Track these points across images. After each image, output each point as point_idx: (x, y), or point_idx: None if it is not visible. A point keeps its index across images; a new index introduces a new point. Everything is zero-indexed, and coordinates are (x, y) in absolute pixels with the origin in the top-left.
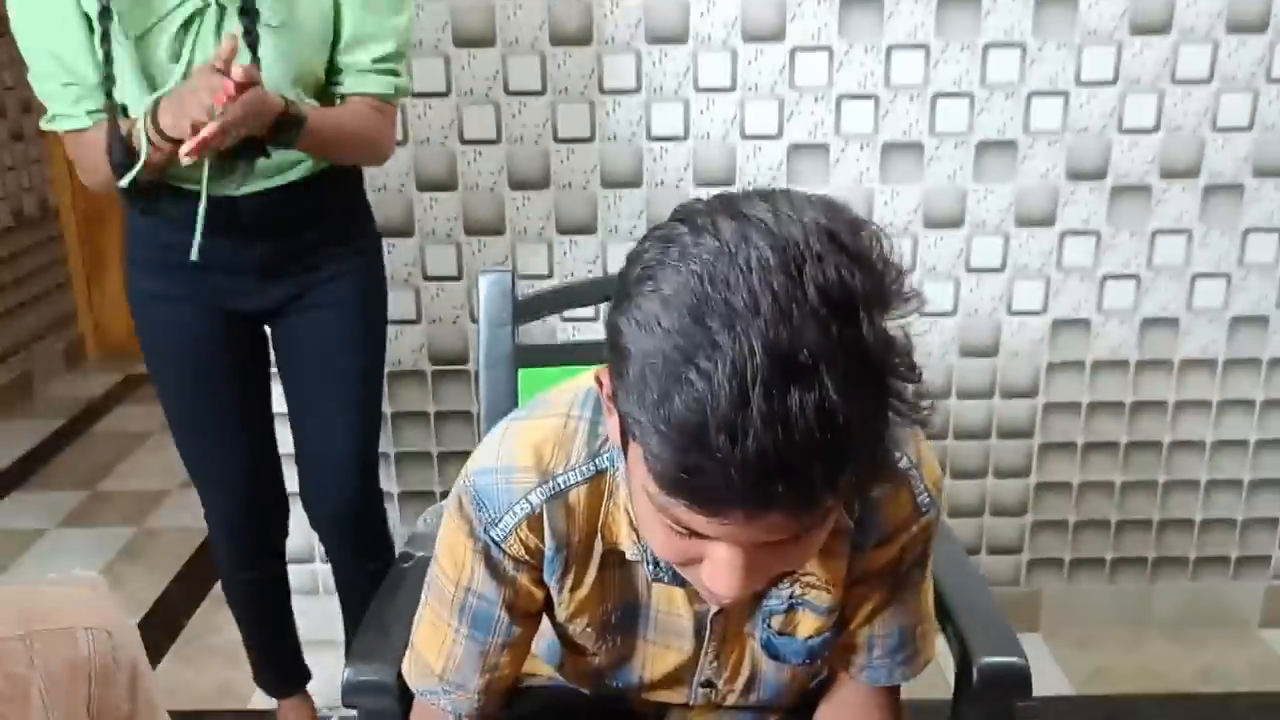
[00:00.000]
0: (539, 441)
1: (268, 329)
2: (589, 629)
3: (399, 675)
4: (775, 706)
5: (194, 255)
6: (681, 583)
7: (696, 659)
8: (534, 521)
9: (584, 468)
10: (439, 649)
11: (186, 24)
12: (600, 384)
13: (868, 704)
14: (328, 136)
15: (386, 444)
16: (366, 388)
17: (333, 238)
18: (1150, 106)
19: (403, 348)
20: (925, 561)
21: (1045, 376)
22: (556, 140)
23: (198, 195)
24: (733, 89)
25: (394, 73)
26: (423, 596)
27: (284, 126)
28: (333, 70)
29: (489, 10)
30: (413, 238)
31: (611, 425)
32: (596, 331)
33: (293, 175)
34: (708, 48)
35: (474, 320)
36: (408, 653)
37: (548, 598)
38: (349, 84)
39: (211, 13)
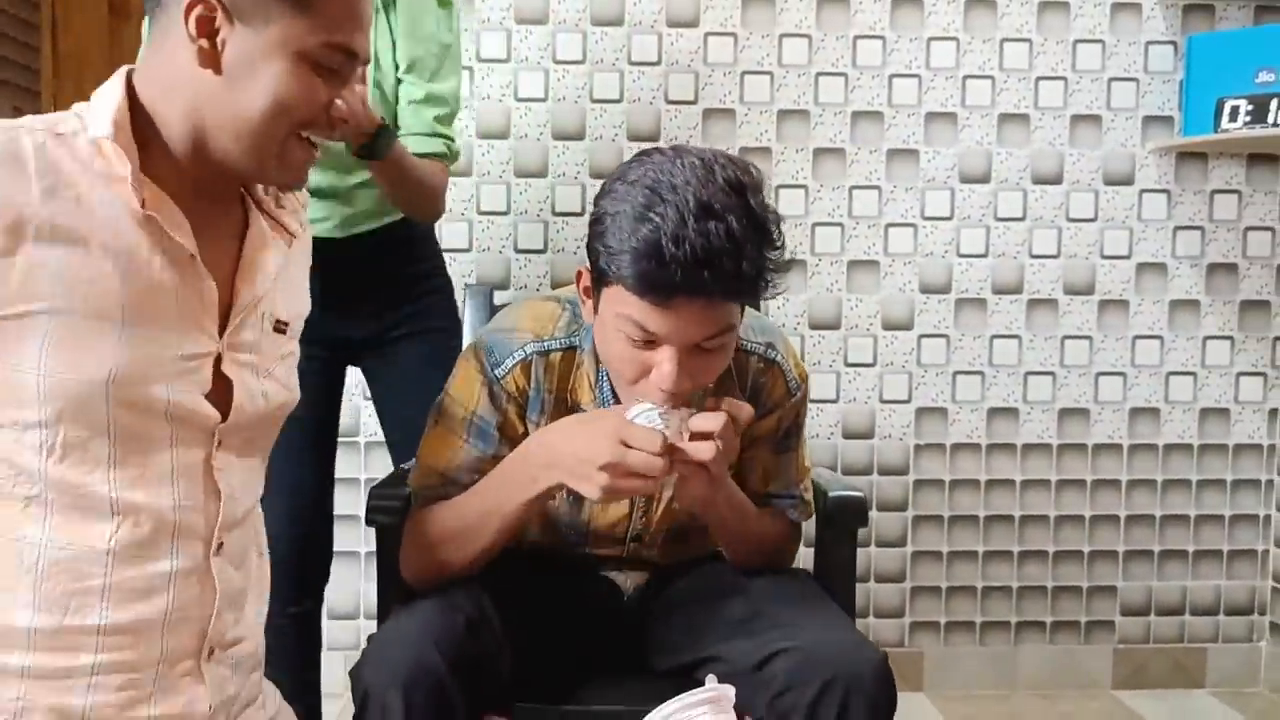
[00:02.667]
0: (536, 314)
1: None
2: None
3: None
4: (686, 561)
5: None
6: None
7: (630, 515)
8: (525, 367)
9: (563, 339)
10: (446, 454)
11: None
12: (580, 276)
13: (766, 512)
14: (406, 166)
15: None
16: None
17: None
18: (980, 238)
19: None
20: (798, 432)
21: (914, 456)
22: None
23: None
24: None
25: (450, 136)
26: (430, 426)
27: (381, 134)
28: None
29: None
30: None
31: (587, 308)
32: None
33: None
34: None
35: None
36: (412, 471)
37: (526, 435)
38: (412, 144)
39: None
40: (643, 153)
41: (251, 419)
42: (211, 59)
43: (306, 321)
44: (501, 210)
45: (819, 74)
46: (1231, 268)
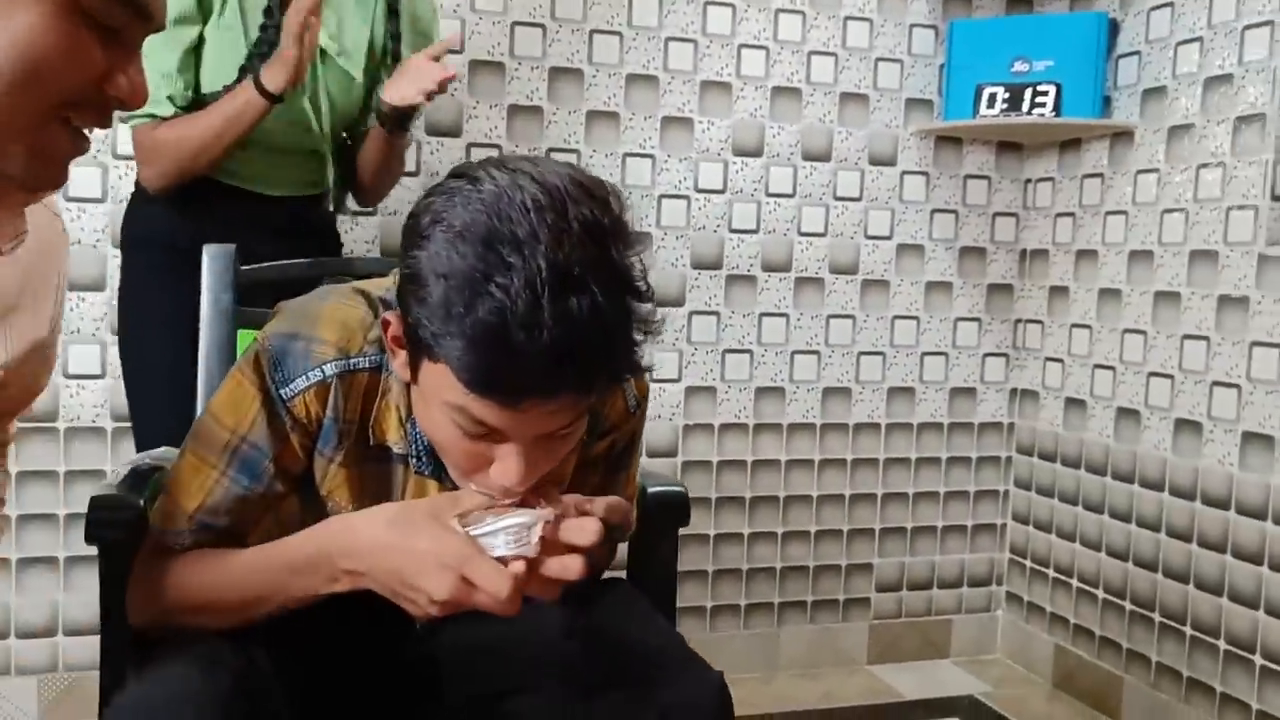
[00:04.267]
0: (341, 320)
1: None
2: (346, 510)
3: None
4: None
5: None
6: (438, 476)
7: None
8: (322, 390)
9: (371, 356)
10: (199, 489)
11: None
12: (387, 327)
13: None
14: (404, 146)
15: None
16: None
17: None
18: (751, 213)
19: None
20: (633, 450)
21: (682, 437)
22: None
23: (240, 193)
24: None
25: None
26: (182, 453)
27: (410, 115)
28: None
29: None
30: None
31: (399, 362)
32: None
33: (316, 190)
34: None
35: None
36: (157, 501)
37: (307, 472)
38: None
39: None
40: (462, 174)
41: None
42: None
43: None
44: None
45: (593, 31)
46: (980, 251)
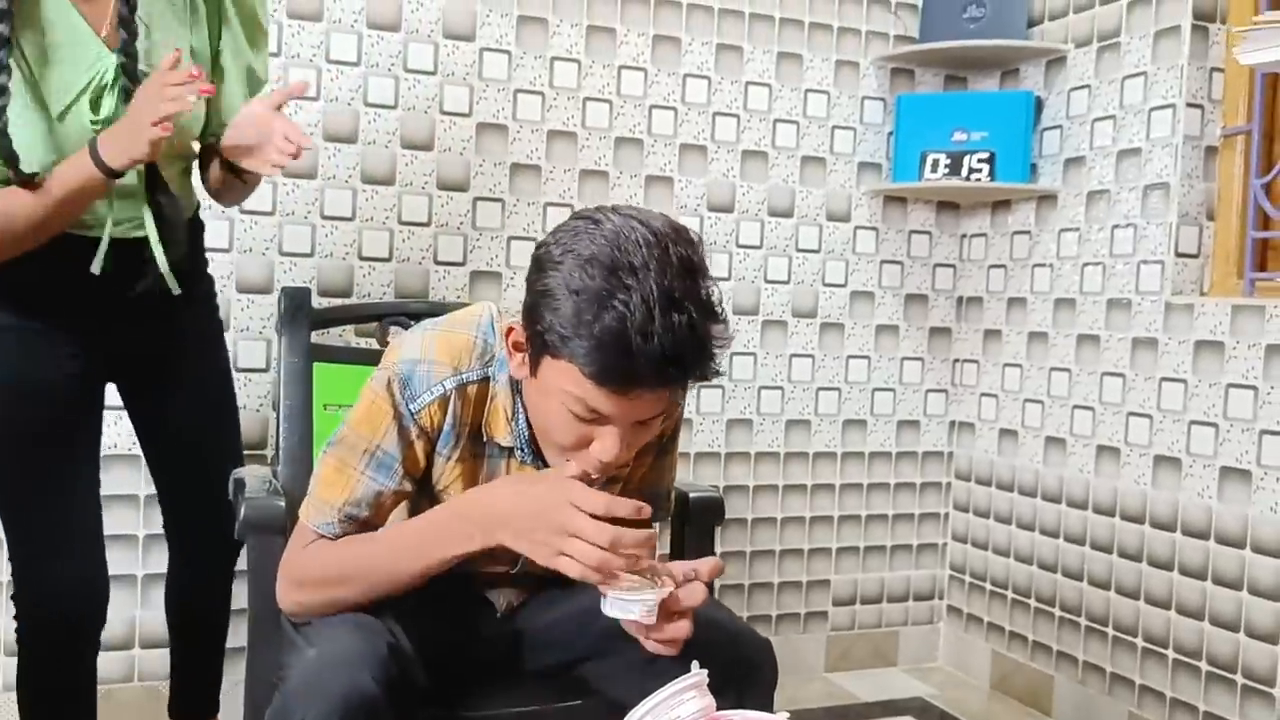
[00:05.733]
0: (451, 346)
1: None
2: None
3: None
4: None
5: (95, 268)
6: (537, 465)
7: None
8: (443, 402)
9: (479, 371)
10: (342, 488)
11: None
12: (510, 331)
13: None
14: (256, 182)
15: None
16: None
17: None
18: (723, 263)
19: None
20: (675, 439)
21: None
22: None
23: (89, 239)
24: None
25: None
26: (324, 458)
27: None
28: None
29: None
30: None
31: (516, 362)
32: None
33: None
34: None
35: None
36: (305, 500)
37: (428, 470)
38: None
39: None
40: (584, 217)
41: None
42: None
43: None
44: (347, 216)
45: (586, 98)
46: (923, 298)
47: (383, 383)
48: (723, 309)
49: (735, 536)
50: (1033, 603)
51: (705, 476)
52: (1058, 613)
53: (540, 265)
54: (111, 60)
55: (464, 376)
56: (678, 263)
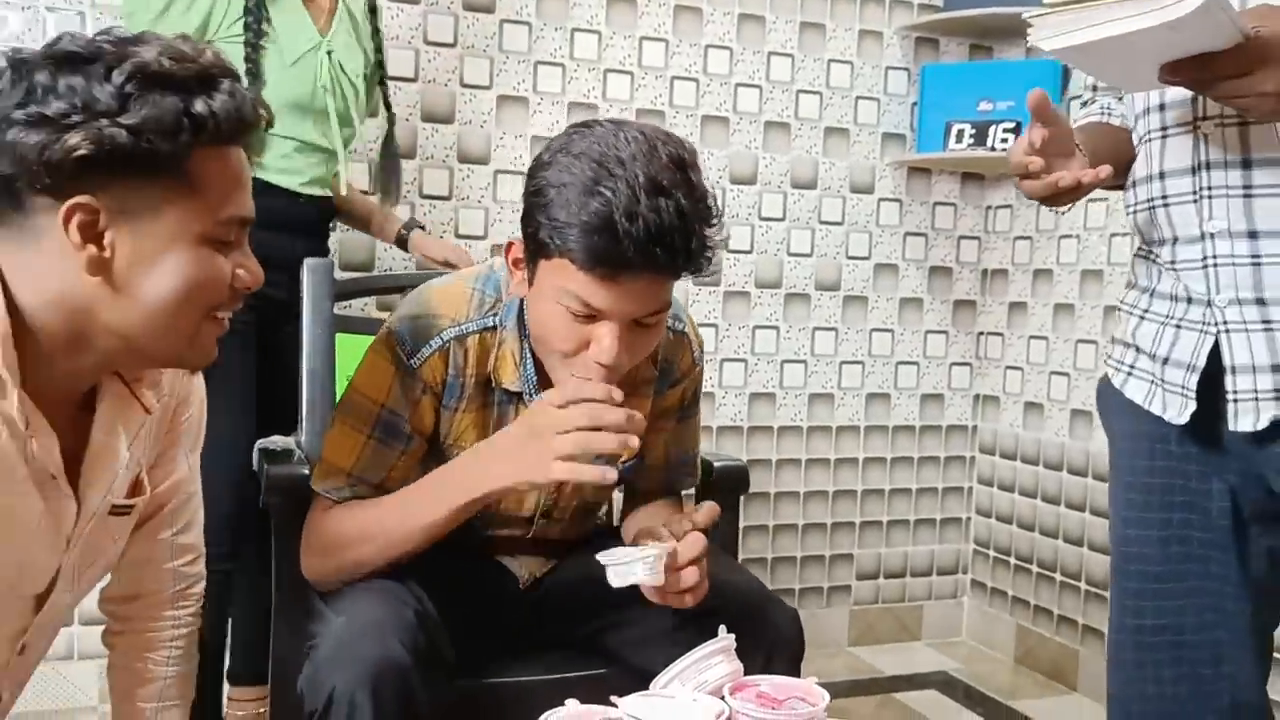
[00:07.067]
0: (447, 298)
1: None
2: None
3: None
4: (577, 538)
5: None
6: None
7: (540, 496)
8: (444, 354)
9: (479, 320)
10: (351, 452)
11: None
12: (510, 247)
13: (665, 503)
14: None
15: None
16: None
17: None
18: (746, 235)
19: None
20: (697, 404)
21: None
22: None
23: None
24: None
25: None
26: (333, 423)
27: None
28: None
29: None
30: None
31: (516, 280)
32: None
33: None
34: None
35: None
36: (316, 468)
37: (436, 428)
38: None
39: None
40: (581, 125)
41: (59, 610)
42: (102, 266)
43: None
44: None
45: (607, 70)
46: (947, 271)
47: (383, 341)
48: (716, 204)
49: (758, 511)
50: (1058, 577)
51: (728, 450)
52: (1083, 586)
53: (532, 173)
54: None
55: (464, 328)
56: (666, 157)
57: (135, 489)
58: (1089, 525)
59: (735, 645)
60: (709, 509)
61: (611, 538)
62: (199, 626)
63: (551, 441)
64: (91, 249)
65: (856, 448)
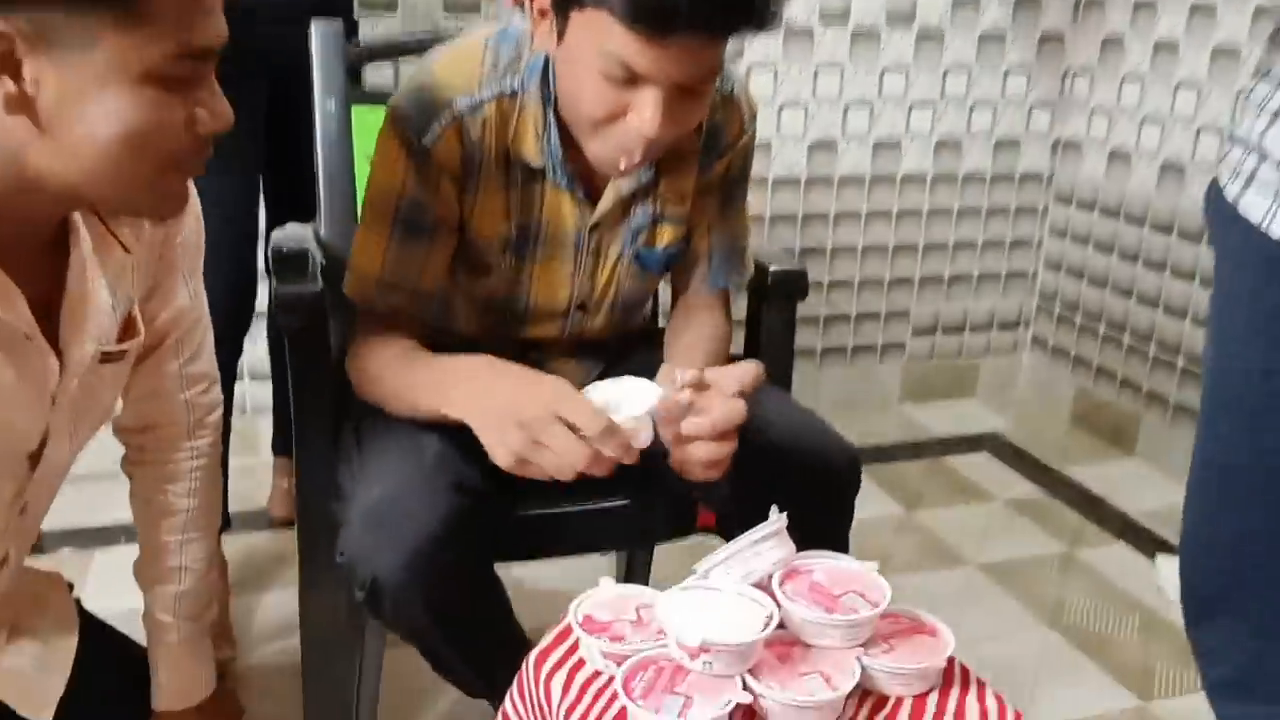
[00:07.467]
0: (456, 65)
1: None
2: (492, 242)
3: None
4: (621, 336)
5: None
6: (572, 188)
7: (573, 282)
8: (458, 130)
9: (497, 87)
10: (378, 254)
11: None
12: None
13: (710, 303)
14: None
15: None
16: None
17: None
18: None
19: None
20: (745, 181)
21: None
22: None
23: None
24: None
25: None
26: (360, 223)
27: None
28: None
29: None
30: None
31: (541, 31)
32: None
33: None
34: None
35: None
36: (346, 275)
37: (462, 219)
38: None
39: None
40: None
41: (57, 467)
42: (23, 103)
43: (237, 38)
44: None
45: None
46: (1035, 1)
47: (388, 122)
48: None
49: (813, 268)
50: (1126, 339)
51: (783, 204)
52: (1152, 351)
53: None
54: None
55: (478, 96)
56: None
57: (128, 330)
58: (1167, 287)
59: (786, 522)
60: (746, 372)
61: (655, 347)
62: (221, 453)
63: (521, 435)
64: (8, 82)
65: (921, 198)
